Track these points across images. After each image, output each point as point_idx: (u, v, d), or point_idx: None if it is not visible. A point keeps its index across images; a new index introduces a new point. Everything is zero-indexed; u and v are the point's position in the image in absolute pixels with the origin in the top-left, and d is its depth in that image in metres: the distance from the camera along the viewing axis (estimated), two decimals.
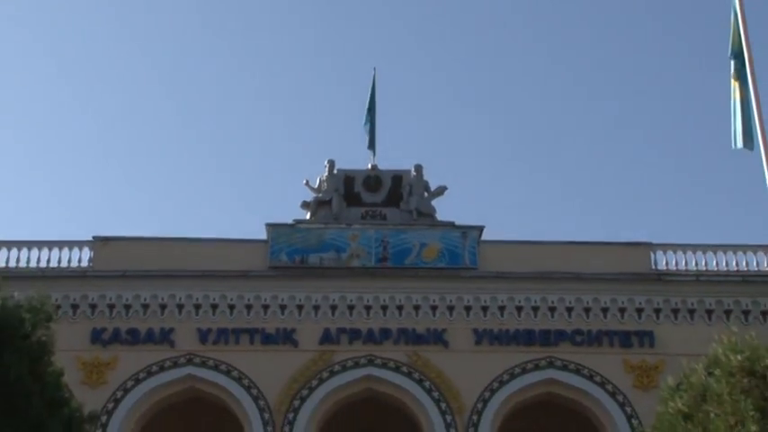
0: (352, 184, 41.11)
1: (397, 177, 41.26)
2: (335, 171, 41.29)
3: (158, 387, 37.64)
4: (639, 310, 38.58)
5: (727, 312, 37.80)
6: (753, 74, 15.42)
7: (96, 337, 37.60)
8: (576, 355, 38.10)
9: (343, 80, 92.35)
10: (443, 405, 37.40)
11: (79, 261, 39.16)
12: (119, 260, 38.68)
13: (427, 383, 37.69)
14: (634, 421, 35.40)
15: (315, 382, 37.67)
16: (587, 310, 38.65)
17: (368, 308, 38.63)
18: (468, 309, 38.66)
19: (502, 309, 38.63)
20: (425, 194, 40.92)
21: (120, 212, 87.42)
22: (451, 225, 40.13)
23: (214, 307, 38.42)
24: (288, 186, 71.62)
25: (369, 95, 44.21)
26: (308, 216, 40.49)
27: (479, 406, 37.34)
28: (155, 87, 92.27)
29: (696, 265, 39.57)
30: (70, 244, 39.52)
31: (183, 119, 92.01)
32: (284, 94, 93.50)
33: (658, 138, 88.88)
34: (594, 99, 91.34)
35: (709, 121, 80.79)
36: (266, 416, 37.02)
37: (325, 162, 41.49)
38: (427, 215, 40.52)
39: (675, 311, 38.48)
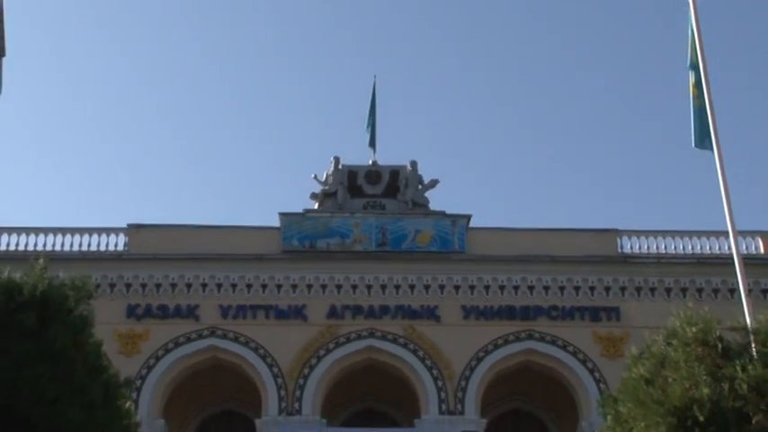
0: (355, 177, 41.01)
1: (395, 172, 41.20)
2: (340, 166, 41.17)
3: (185, 356, 37.77)
4: (607, 289, 38.65)
5: (684, 290, 37.86)
6: (707, 84, 15.56)
7: (131, 312, 37.69)
8: (551, 328, 38.17)
9: (348, 86, 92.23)
10: (435, 372, 37.51)
11: (116, 245, 39.20)
12: (150, 245, 38.74)
13: (421, 353, 37.79)
14: (602, 385, 35.53)
15: (322, 352, 37.77)
16: (562, 288, 38.70)
17: (369, 287, 38.68)
18: (457, 288, 38.70)
19: (487, 288, 38.67)
20: (419, 187, 40.81)
21: (151, 202, 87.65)
22: (442, 214, 40.05)
23: (234, 286, 38.47)
24: (298, 180, 71.69)
25: (370, 100, 44.20)
26: (316, 206, 40.43)
27: (467, 373, 37.47)
28: (182, 90, 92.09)
29: (657, 248, 39.62)
30: (107, 230, 39.60)
31: (209, 120, 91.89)
32: (296, 100, 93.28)
33: (628, 137, 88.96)
34: (571, 101, 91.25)
35: (672, 123, 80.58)
36: (279, 381, 37.13)
37: (331, 158, 41.44)
38: (421, 205, 40.46)
39: (638, 289, 38.54)
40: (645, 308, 37.01)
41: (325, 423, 37.42)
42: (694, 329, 11.54)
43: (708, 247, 39.23)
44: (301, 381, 37.25)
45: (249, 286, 38.53)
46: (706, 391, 10.74)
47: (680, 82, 16.53)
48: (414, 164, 41.35)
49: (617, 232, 40.09)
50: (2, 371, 10.79)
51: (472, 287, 38.72)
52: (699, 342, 11.39)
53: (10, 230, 38.77)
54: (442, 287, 38.72)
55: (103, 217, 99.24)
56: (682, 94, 16.14)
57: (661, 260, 39.10)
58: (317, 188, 40.93)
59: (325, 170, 41.28)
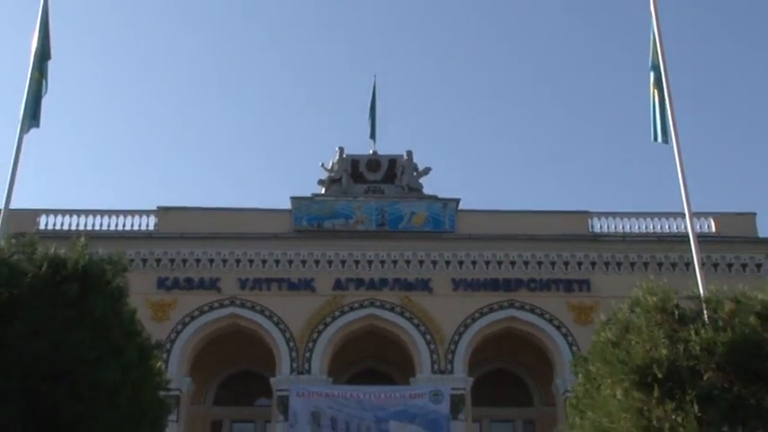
0: (358, 165, 40.88)
1: (393, 160, 41.01)
2: (344, 156, 41.02)
3: (208, 322, 37.81)
4: (579, 264, 38.63)
5: (646, 264, 37.87)
6: (668, 84, 15.58)
7: (161, 284, 37.70)
8: (530, 298, 38.16)
9: (351, 84, 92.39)
10: (428, 337, 37.55)
11: (147, 225, 39.18)
12: (177, 225, 38.70)
13: (416, 320, 37.82)
14: (574, 348, 35.57)
15: (329, 320, 37.80)
16: (539, 263, 38.64)
17: (370, 262, 38.64)
18: (447, 263, 38.68)
19: (474, 263, 38.65)
20: (414, 174, 40.66)
21: (178, 187, 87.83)
22: (435, 198, 39.98)
23: (251, 261, 38.44)
24: (308, 167, 71.91)
25: (370, 97, 44.10)
26: (323, 191, 40.33)
27: (456, 337, 37.50)
28: (207, 88, 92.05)
29: (623, 228, 39.58)
30: (140, 212, 39.56)
31: (230, 115, 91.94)
32: (307, 97, 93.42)
33: (600, 132, 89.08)
34: (550, 100, 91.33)
35: (637, 118, 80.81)
36: (291, 344, 37.20)
37: (336, 149, 41.24)
38: (416, 190, 40.33)
39: (606, 264, 38.51)
40: (612, 280, 37.02)
41: (331, 381, 37.49)
42: (655, 299, 11.62)
43: (667, 227, 39.20)
44: (310, 344, 37.31)
45: (264, 261, 38.51)
46: (664, 352, 10.84)
47: (643, 80, 16.51)
48: (409, 153, 41.24)
49: (588, 214, 40.05)
50: (49, 335, 10.83)
51: (461, 262, 38.71)
52: (658, 310, 11.48)
53: (55, 212, 38.72)
54: (434, 262, 38.71)
55: (136, 200, 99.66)
56: (643, 92, 16.12)
57: (626, 238, 39.08)
58: (324, 175, 40.78)
59: (331, 159, 41.10)
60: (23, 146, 14.66)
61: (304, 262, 38.56)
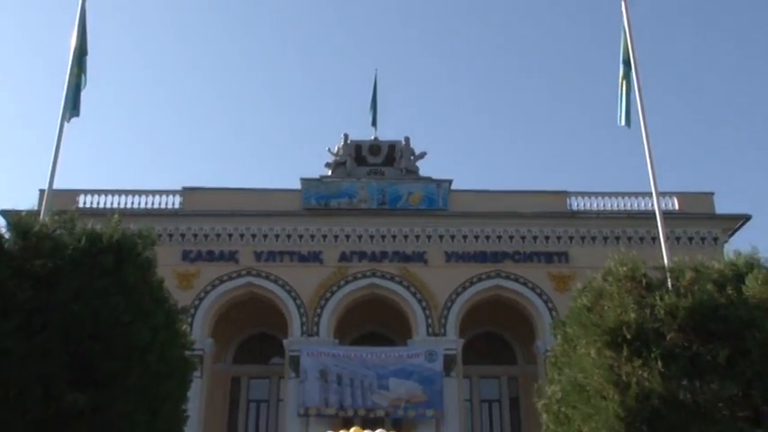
0: (360, 150, 40.76)
1: (392, 146, 40.89)
2: (349, 141, 40.93)
3: (228, 291, 37.83)
4: (558, 238, 38.62)
5: (618, 238, 37.75)
6: (638, 78, 15.55)
7: (185, 256, 37.71)
8: (515, 268, 38.17)
9: (355, 77, 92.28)
10: (423, 303, 37.60)
11: (173, 204, 39.11)
12: (200, 203, 38.68)
13: (412, 289, 37.87)
14: (554, 313, 35.53)
15: (335, 288, 37.84)
16: (523, 237, 38.63)
17: (371, 237, 38.63)
18: (441, 237, 38.66)
19: (465, 237, 38.64)
20: (411, 157, 40.54)
21: (201, 168, 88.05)
22: (429, 179, 39.88)
23: (265, 236, 38.41)
24: (316, 152, 71.99)
25: (372, 89, 43.94)
26: (329, 173, 40.24)
27: (448, 304, 37.57)
28: (227, 81, 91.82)
29: (597, 206, 39.47)
30: (167, 192, 39.48)
31: (246, 106, 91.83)
32: (318, 89, 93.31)
33: (578, 120, 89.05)
34: (533, 92, 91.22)
35: (610, 107, 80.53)
36: (301, 310, 37.30)
37: (342, 135, 41.19)
38: (413, 172, 40.21)
39: (583, 238, 38.49)
40: (587, 252, 37.06)
41: (337, 342, 37.58)
42: (625, 269, 11.64)
43: (636, 205, 39.12)
44: (318, 310, 37.39)
45: (277, 236, 38.49)
46: (633, 315, 10.87)
47: (615, 73, 16.50)
48: (407, 139, 41.10)
49: (566, 193, 39.95)
50: (87, 301, 10.87)
51: (453, 237, 38.70)
52: (628, 278, 11.48)
53: (92, 192, 38.68)
54: (429, 237, 38.69)
55: (163, 181, 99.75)
56: (612, 83, 16.11)
57: (600, 215, 39.00)
58: (331, 158, 40.70)
59: (337, 144, 40.98)
60: (64, 133, 14.66)
61: (313, 237, 38.56)
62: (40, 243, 11.34)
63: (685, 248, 34.86)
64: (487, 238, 38.70)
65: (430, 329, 37.27)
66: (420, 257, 38.41)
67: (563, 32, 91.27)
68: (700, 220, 38.71)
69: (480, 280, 38.07)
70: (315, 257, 38.30)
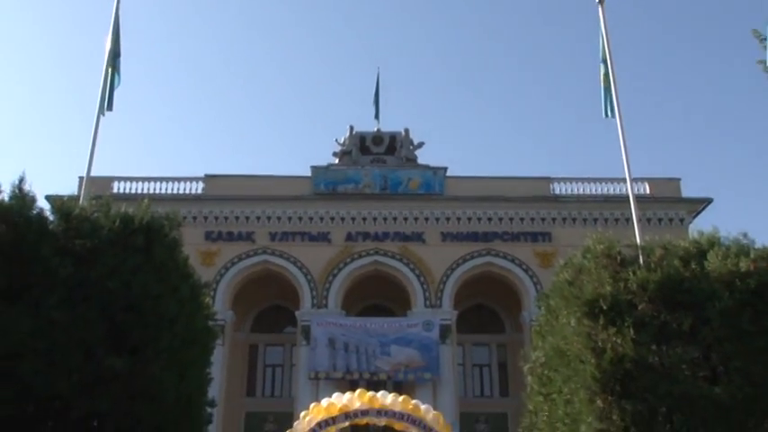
0: (365, 140, 40.64)
1: (393, 136, 40.77)
2: (354, 132, 40.83)
3: (245, 267, 37.93)
4: (543, 219, 38.57)
5: (595, 220, 37.68)
6: (614, 74, 15.56)
7: (207, 236, 37.78)
8: (503, 247, 38.18)
9: (360, 74, 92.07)
10: (421, 278, 37.68)
11: (196, 189, 39.16)
12: (221, 189, 38.68)
13: (411, 265, 37.92)
14: (538, 287, 35.63)
15: (342, 265, 37.91)
16: (511, 219, 38.59)
17: (374, 219, 38.61)
18: (437, 219, 38.65)
19: (458, 219, 38.61)
20: (411, 147, 40.46)
21: (222, 157, 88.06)
22: (427, 166, 39.80)
23: (279, 218, 38.43)
24: (325, 141, 72.14)
25: (375, 85, 43.79)
26: (336, 161, 40.20)
27: (444, 279, 37.63)
28: (246, 79, 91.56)
29: (578, 191, 39.40)
30: (190, 179, 39.49)
31: (263, 99, 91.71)
32: (327, 85, 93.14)
33: (562, 113, 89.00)
34: (521, 87, 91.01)
35: (589, 101, 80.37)
36: (312, 285, 37.38)
37: (347, 127, 41.06)
38: (412, 160, 40.16)
39: (564, 219, 38.45)
40: (568, 233, 36.94)
41: (344, 313, 37.70)
42: (602, 247, 11.63)
43: (612, 190, 38.96)
44: (327, 284, 37.46)
45: (290, 218, 38.49)
46: (608, 288, 10.88)
47: (593, 69, 16.51)
48: (407, 131, 40.99)
49: (550, 179, 39.87)
50: (121, 276, 10.92)
51: (448, 219, 38.68)
52: (604, 255, 11.47)
53: (125, 179, 38.70)
54: (426, 219, 38.69)
55: (187, 169, 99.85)
56: (595, 80, 16.11)
57: (580, 199, 38.93)
58: (338, 148, 40.63)
59: (343, 135, 40.92)
60: (101, 126, 14.71)
61: (322, 219, 38.57)
62: (80, 225, 11.37)
63: (655, 229, 34.66)
64: (479, 219, 38.67)
65: (427, 302, 37.35)
66: (418, 237, 38.42)
67: (549, 35, 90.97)
68: (668, 203, 38.65)
69: (472, 257, 38.09)
70: (323, 237, 38.32)
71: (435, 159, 41.98)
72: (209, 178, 39.36)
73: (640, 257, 11.55)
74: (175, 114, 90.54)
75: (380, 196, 38.84)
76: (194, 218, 37.67)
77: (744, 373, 9.97)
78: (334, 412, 12.50)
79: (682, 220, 38.19)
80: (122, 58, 15.42)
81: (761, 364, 9.99)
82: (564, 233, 37.52)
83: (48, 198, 14.44)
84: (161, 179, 39.17)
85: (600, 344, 10.39)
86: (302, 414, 12.77)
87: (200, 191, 39.10)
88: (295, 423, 12.77)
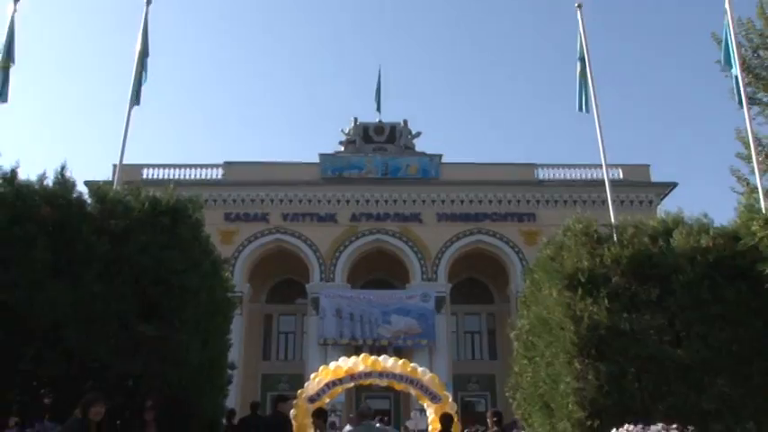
0: (367, 130, 40.60)
1: (393, 127, 40.71)
2: (357, 123, 40.77)
3: (261, 245, 37.94)
4: (528, 201, 38.56)
5: (575, 202, 37.43)
6: (590, 70, 15.52)
7: (226, 217, 37.72)
8: (493, 226, 38.19)
9: (363, 70, 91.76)
10: (419, 255, 37.79)
11: (216, 175, 39.05)
12: (238, 174, 38.61)
13: (410, 243, 38.01)
14: (524, 262, 35.54)
15: (347, 243, 37.95)
16: (500, 201, 38.61)
17: (377, 201, 38.63)
18: (433, 201, 38.66)
19: (453, 201, 38.64)
20: (409, 136, 40.44)
21: (239, 145, 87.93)
22: (424, 154, 39.80)
23: (290, 201, 38.41)
24: (332, 131, 71.89)
25: (377, 80, 43.67)
26: (342, 149, 40.20)
27: (439, 255, 37.73)
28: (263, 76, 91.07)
29: (559, 176, 39.41)
30: (210, 166, 39.38)
31: (277, 93, 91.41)
32: (333, 80, 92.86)
33: (544, 104, 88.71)
34: (508, 82, 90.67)
35: (569, 95, 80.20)
36: (320, 260, 37.48)
37: (352, 118, 41.07)
38: (410, 148, 40.14)
39: (548, 202, 38.44)
40: (551, 213, 36.79)
41: (350, 286, 37.83)
42: (580, 226, 11.58)
43: (590, 175, 38.82)
44: (334, 260, 37.54)
45: (300, 201, 38.46)
46: (586, 263, 10.85)
47: (572, 66, 16.48)
48: (405, 122, 40.94)
49: (534, 165, 39.81)
50: (151, 253, 10.98)
51: (443, 201, 38.68)
52: (583, 234, 11.44)
53: (153, 166, 38.52)
54: (423, 201, 38.70)
55: (209, 156, 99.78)
56: (572, 75, 16.07)
57: (561, 183, 38.92)
58: (343, 137, 40.59)
59: (348, 126, 40.89)
60: (132, 118, 14.73)
61: (329, 201, 38.58)
62: (114, 207, 11.40)
63: (627, 209, 34.67)
64: (471, 201, 38.69)
65: (424, 276, 37.46)
66: (416, 218, 38.48)
67: (534, 37, 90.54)
68: (638, 186, 38.60)
69: (465, 236, 38.14)
70: (331, 218, 38.35)
71: (431, 147, 42.11)
72: (227, 165, 39.31)
73: (614, 235, 11.55)
74: (198, 108, 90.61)
75: (382, 181, 38.83)
76: (215, 201, 37.61)
77: (702, 338, 10.10)
78: (341, 374, 12.67)
79: (651, 202, 38.16)
80: (150, 57, 15.42)
81: (717, 330, 10.12)
82: (547, 214, 37.47)
83: (86, 183, 14.48)
84: (185, 166, 39.13)
85: (578, 312, 10.43)
86: (312, 376, 12.93)
87: (219, 176, 39.04)
88: (306, 384, 12.94)
